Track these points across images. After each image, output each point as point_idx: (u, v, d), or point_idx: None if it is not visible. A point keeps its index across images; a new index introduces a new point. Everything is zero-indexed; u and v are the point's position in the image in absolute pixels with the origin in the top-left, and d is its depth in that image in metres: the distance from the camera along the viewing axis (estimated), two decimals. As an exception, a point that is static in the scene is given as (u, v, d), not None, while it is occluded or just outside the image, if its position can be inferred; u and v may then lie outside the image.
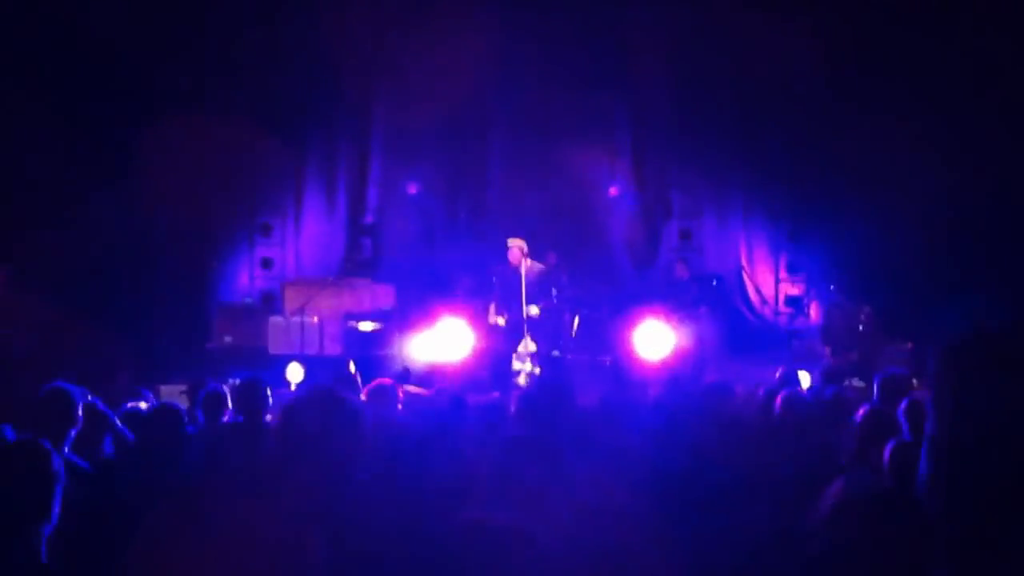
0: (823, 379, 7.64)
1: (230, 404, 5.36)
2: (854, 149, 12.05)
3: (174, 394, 8.34)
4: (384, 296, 11.48)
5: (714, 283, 12.23)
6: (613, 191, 13.59)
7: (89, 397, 4.74)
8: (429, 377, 9.95)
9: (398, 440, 4.84)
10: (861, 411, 4.07)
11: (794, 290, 13.36)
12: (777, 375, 8.03)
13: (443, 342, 10.69)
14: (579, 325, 11.61)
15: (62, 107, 11.33)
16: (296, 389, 9.39)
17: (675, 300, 11.62)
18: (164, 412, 4.04)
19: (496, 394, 8.86)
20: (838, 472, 3.87)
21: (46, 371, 6.68)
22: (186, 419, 4.79)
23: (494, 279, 10.94)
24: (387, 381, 5.97)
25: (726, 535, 3.23)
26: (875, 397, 5.74)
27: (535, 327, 10.68)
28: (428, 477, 3.72)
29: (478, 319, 11.48)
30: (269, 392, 5.30)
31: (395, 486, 3.57)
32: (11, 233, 10.95)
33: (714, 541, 3.24)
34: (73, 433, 4.22)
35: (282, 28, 12.98)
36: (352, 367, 8.12)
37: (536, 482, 3.33)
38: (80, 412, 4.27)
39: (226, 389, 5.62)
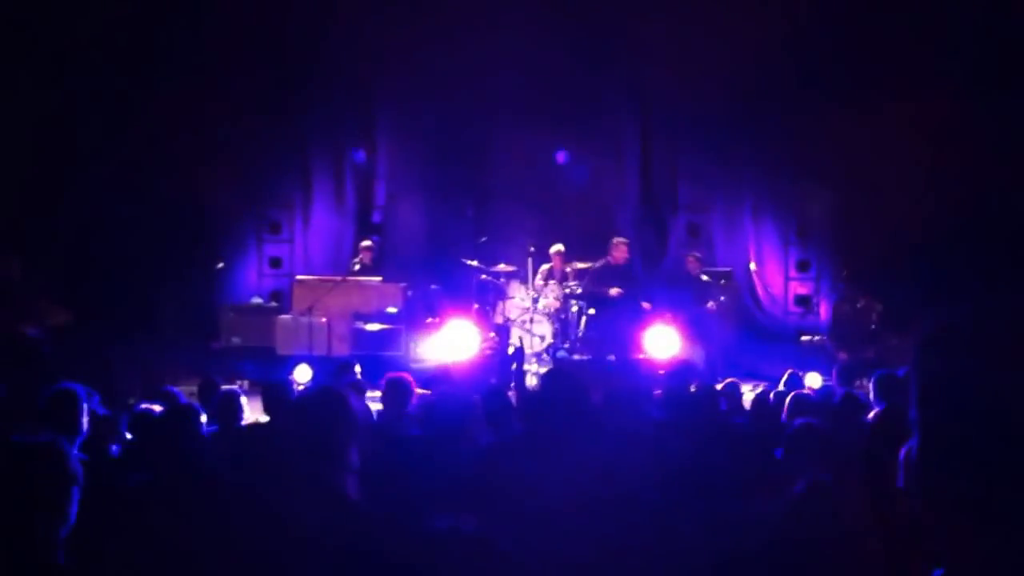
0: (838, 379, 7.64)
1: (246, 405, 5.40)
2: (865, 144, 12.05)
3: (184, 395, 8.36)
4: (392, 296, 11.48)
5: (722, 282, 12.22)
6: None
7: (95, 398, 4.77)
8: (436, 377, 9.98)
9: (406, 438, 4.87)
10: (873, 412, 4.06)
11: (803, 288, 13.35)
12: (784, 377, 8.06)
13: (451, 343, 10.75)
14: (587, 322, 11.63)
15: (71, 106, 11.37)
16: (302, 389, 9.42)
17: (686, 296, 11.62)
18: (181, 412, 4.07)
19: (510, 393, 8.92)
20: (846, 470, 3.89)
21: (57, 370, 6.74)
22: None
23: (598, 276, 11.12)
24: (403, 375, 6.01)
25: (731, 527, 3.26)
26: (873, 397, 5.73)
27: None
28: (434, 475, 3.73)
29: (485, 318, 11.53)
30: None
31: (399, 485, 3.59)
32: (20, 232, 11.00)
33: (719, 532, 3.26)
34: (83, 433, 4.24)
35: (290, 24, 13.01)
36: (357, 369, 8.14)
37: (541, 477, 3.35)
38: (87, 412, 4.28)
39: (239, 390, 5.68)
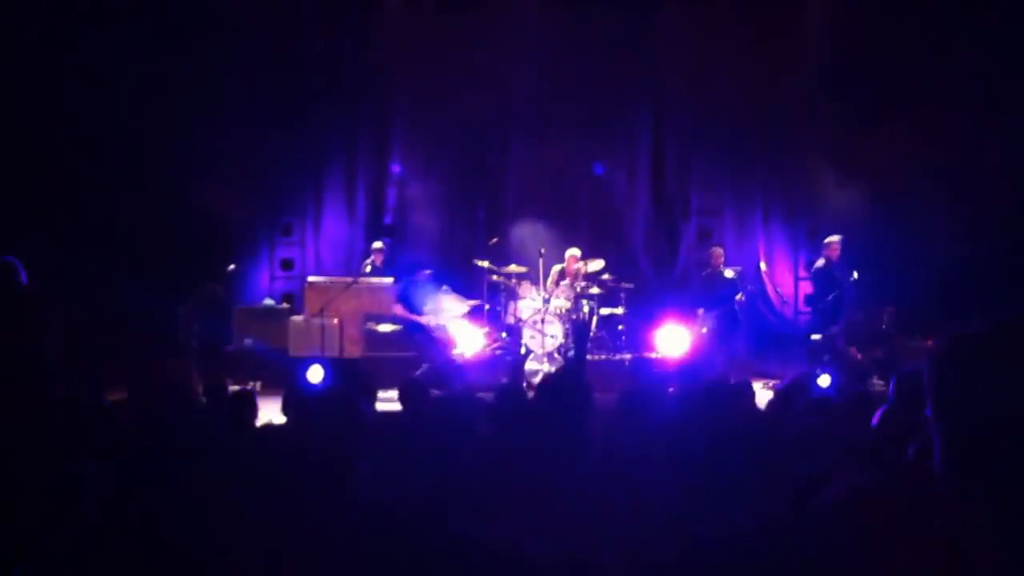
0: (848, 378, 7.62)
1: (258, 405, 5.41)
2: (874, 148, 12.04)
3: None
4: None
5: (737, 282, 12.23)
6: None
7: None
8: (449, 376, 10.00)
9: (418, 439, 4.88)
10: (879, 411, 4.07)
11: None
12: (796, 375, 8.03)
13: (461, 341, 10.83)
14: (598, 323, 11.67)
15: (90, 112, 11.44)
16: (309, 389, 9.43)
17: (716, 291, 11.66)
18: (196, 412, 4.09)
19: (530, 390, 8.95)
20: (860, 469, 3.88)
21: (71, 374, 6.77)
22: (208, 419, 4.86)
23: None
24: (419, 381, 6.06)
25: (744, 529, 3.25)
26: (890, 396, 5.72)
27: None
28: (445, 477, 3.73)
29: (496, 319, 11.58)
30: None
31: (408, 486, 3.60)
32: (37, 233, 11.07)
33: (732, 535, 3.26)
34: (100, 434, 4.26)
35: (302, 29, 13.07)
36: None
37: (551, 480, 3.35)
38: (105, 413, 4.30)
39: (252, 390, 5.71)
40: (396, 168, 13.53)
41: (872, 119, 12.16)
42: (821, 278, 11.28)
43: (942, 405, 1.35)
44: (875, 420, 4.21)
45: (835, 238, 11.28)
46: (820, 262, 11.33)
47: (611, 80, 13.36)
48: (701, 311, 11.51)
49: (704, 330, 11.24)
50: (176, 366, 10.26)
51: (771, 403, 6.26)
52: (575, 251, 11.80)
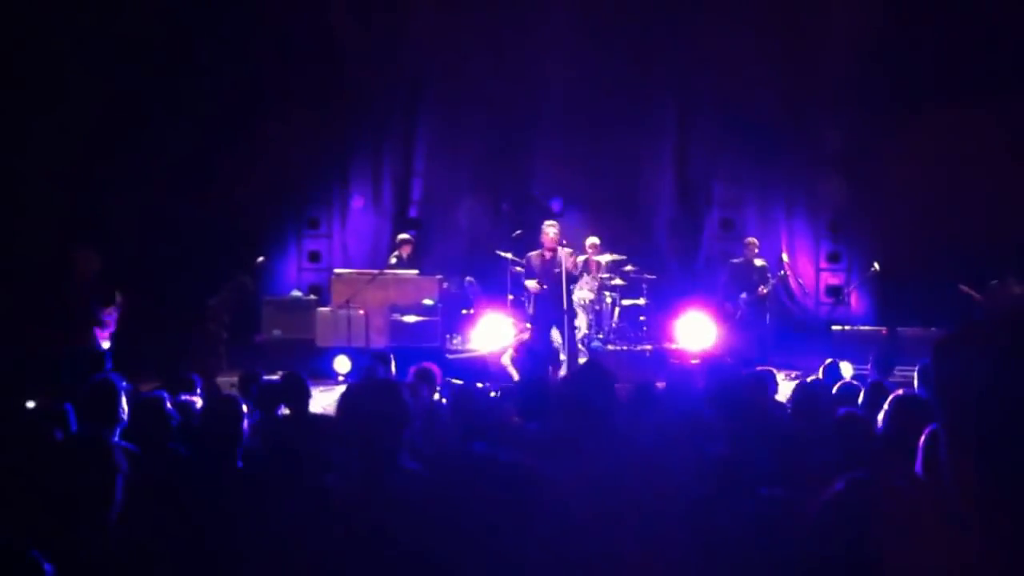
0: (875, 368, 7.63)
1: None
2: (898, 140, 11.97)
3: (225, 386, 8.52)
4: (429, 288, 11.57)
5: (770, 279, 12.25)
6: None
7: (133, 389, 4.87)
8: (472, 368, 10.07)
9: (444, 429, 4.95)
10: (892, 397, 4.07)
11: (835, 279, 13.34)
12: (820, 366, 8.04)
13: (486, 334, 10.91)
14: (620, 314, 11.69)
15: (119, 107, 11.56)
16: (351, 379, 9.53)
17: (748, 282, 11.70)
18: (225, 403, 4.16)
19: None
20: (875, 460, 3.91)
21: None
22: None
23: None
24: (432, 365, 6.12)
25: (764, 522, 3.29)
26: (918, 385, 5.73)
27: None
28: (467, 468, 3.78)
29: (520, 310, 11.63)
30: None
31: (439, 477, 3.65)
32: (69, 229, 11.23)
33: (753, 528, 3.29)
34: (123, 423, 4.35)
35: (330, 23, 13.14)
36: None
37: (573, 472, 3.40)
38: (125, 403, 4.38)
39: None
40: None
41: (907, 109, 12.08)
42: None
43: (946, 395, 1.38)
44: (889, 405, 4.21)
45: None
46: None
47: (636, 71, 13.34)
48: (744, 295, 11.53)
49: (738, 316, 11.23)
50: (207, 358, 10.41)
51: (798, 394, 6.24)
52: (594, 240, 11.81)
